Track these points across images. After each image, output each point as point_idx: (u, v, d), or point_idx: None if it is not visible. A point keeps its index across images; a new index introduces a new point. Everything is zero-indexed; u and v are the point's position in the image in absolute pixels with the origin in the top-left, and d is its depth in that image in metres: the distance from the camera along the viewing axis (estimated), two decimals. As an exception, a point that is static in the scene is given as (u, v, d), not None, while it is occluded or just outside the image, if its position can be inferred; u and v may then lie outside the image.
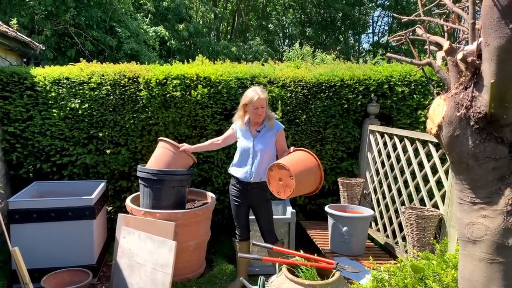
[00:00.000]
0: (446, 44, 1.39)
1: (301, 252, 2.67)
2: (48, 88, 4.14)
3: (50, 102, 4.16)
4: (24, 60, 5.28)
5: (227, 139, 3.49)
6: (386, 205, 3.79)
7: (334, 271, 2.44)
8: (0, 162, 4.17)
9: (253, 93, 3.16)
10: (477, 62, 1.28)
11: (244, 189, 3.32)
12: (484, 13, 1.18)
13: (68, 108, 4.15)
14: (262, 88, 3.30)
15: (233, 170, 3.37)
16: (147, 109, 4.17)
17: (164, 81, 4.16)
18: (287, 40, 24.44)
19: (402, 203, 3.49)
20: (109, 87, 4.15)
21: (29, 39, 5.22)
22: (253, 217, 3.49)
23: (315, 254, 2.65)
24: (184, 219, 3.46)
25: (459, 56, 1.31)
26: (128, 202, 3.70)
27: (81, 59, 4.77)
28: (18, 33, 4.90)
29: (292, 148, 3.31)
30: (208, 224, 3.86)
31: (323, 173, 3.09)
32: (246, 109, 3.24)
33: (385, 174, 3.82)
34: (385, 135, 3.84)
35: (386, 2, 22.80)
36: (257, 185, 3.28)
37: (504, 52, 1.15)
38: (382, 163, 3.88)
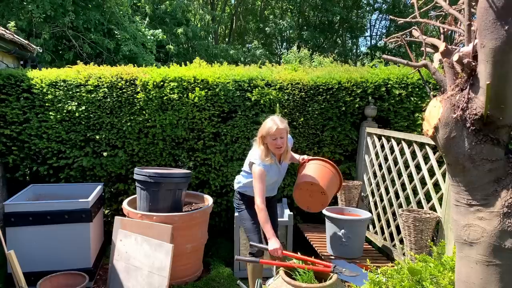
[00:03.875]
0: (442, 45, 1.39)
1: (299, 255, 2.66)
2: (45, 90, 4.13)
3: (46, 104, 4.15)
4: (21, 62, 5.27)
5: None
6: (384, 208, 3.78)
7: (331, 274, 2.43)
8: (-4, 164, 4.16)
9: (271, 123, 2.93)
10: (473, 63, 1.28)
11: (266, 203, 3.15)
12: (480, 15, 1.18)
13: (65, 111, 4.14)
14: (282, 118, 3.05)
15: (251, 192, 3.11)
16: (144, 112, 4.16)
17: (162, 83, 4.15)
18: (285, 43, 24.51)
19: (400, 206, 3.48)
20: (106, 89, 4.14)
21: (26, 41, 5.21)
22: None
23: (313, 257, 2.64)
24: (181, 222, 3.45)
25: (455, 57, 1.31)
26: (125, 205, 3.68)
27: (78, 61, 4.76)
28: (15, 35, 4.89)
29: (305, 157, 3.33)
30: (205, 227, 3.85)
31: (342, 178, 3.31)
32: (265, 141, 2.99)
33: (383, 176, 3.82)
34: (383, 137, 3.84)
35: (383, 5, 22.91)
36: (273, 196, 3.35)
37: (500, 54, 1.15)
38: (380, 165, 3.88)
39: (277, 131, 2.90)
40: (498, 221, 1.29)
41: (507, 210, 1.28)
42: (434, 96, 1.47)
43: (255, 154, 3.05)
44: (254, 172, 2.99)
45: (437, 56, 1.49)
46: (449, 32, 1.62)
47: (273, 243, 2.86)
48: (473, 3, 1.35)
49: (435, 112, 1.41)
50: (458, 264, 1.46)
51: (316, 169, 3.22)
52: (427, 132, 1.45)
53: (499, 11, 1.13)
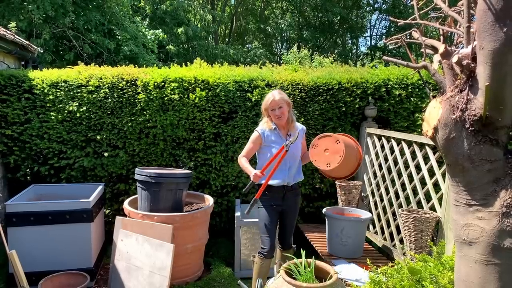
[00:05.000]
0: (441, 47, 1.40)
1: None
2: (46, 91, 4.14)
3: (48, 105, 4.16)
4: (22, 63, 5.29)
5: (250, 153, 3.23)
6: (384, 208, 3.80)
7: (331, 273, 2.44)
8: (-3, 165, 4.17)
9: (269, 96, 3.14)
10: (472, 65, 1.29)
11: (280, 195, 3.17)
12: (479, 17, 1.19)
13: (66, 111, 4.16)
14: (280, 91, 3.21)
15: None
16: (145, 112, 4.18)
17: (162, 84, 4.16)
18: (285, 44, 24.52)
19: (400, 206, 3.49)
20: (107, 90, 4.16)
21: (27, 42, 5.23)
22: None
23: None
24: (182, 222, 3.46)
25: (454, 59, 1.32)
26: (125, 205, 3.70)
27: (79, 62, 4.77)
28: (16, 36, 4.91)
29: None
30: (206, 227, 3.86)
31: (362, 154, 3.24)
32: (268, 113, 3.18)
33: (383, 176, 3.83)
34: (383, 138, 3.86)
35: (383, 6, 22.92)
36: (291, 187, 3.20)
37: (499, 55, 1.16)
38: (380, 165, 3.89)
39: (273, 103, 3.11)
40: (497, 220, 1.30)
41: (506, 210, 1.29)
42: (434, 96, 1.48)
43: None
44: (251, 137, 3.24)
45: (436, 58, 1.50)
46: (449, 33, 1.63)
47: (252, 172, 3.05)
48: (472, 5, 1.36)
49: (434, 113, 1.42)
50: (458, 264, 1.48)
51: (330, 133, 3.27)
52: (427, 132, 1.47)
53: (498, 13, 1.14)
